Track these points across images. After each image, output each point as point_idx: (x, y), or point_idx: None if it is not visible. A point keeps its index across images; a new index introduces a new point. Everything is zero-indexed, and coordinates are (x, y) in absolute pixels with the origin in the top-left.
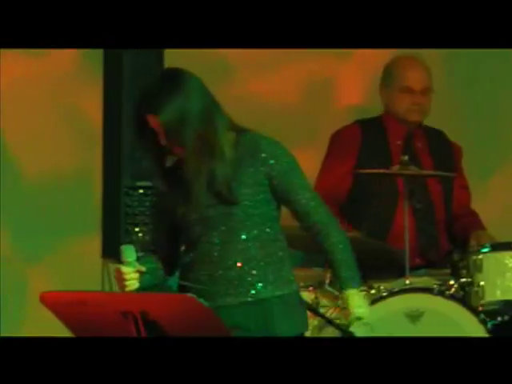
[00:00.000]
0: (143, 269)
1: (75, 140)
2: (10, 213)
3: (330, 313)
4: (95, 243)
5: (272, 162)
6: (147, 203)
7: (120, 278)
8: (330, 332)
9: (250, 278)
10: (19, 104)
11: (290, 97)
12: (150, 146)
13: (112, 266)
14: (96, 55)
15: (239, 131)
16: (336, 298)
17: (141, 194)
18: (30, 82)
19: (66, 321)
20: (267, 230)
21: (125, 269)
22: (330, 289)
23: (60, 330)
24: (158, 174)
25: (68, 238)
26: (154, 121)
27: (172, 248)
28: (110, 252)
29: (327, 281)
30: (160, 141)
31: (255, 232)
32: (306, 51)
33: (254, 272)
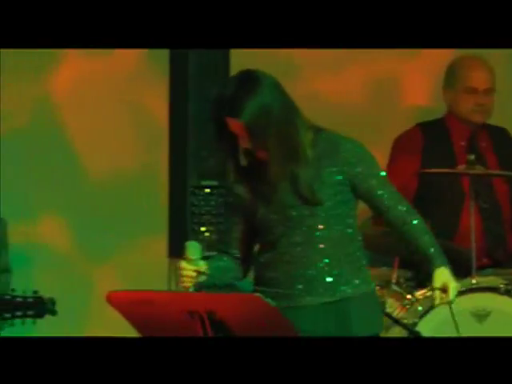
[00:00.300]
0: (203, 269)
1: (141, 139)
2: (76, 213)
3: (397, 312)
4: (162, 243)
5: (353, 161)
6: (213, 202)
7: (180, 275)
8: (397, 332)
9: (329, 278)
10: (85, 103)
11: (354, 96)
12: (229, 149)
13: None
14: (162, 55)
15: (316, 130)
16: (402, 297)
17: (207, 193)
18: (96, 81)
19: (133, 320)
20: (347, 229)
21: (183, 264)
22: (396, 288)
23: (126, 330)
24: (234, 176)
25: (134, 238)
26: (234, 124)
27: (247, 249)
28: (177, 252)
29: (393, 280)
30: (239, 143)
31: (336, 232)
32: (371, 51)
33: (334, 272)
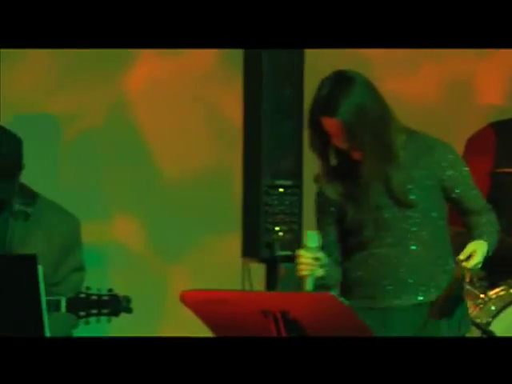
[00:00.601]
0: (321, 256)
1: (215, 139)
2: (151, 212)
3: (470, 312)
4: (235, 242)
5: (445, 164)
6: (287, 202)
7: (298, 263)
8: (472, 331)
9: (420, 280)
10: (160, 103)
11: (428, 96)
12: (321, 149)
13: (252, 265)
14: (236, 54)
15: (409, 132)
16: (476, 296)
17: (281, 192)
18: (170, 81)
19: (206, 320)
20: (437, 231)
21: (302, 252)
22: (469, 288)
23: (200, 329)
24: (325, 177)
25: (208, 237)
26: (330, 122)
27: (337, 250)
28: (250, 251)
29: (467, 280)
30: (333, 143)
31: (426, 234)
32: (444, 51)
33: (425, 274)
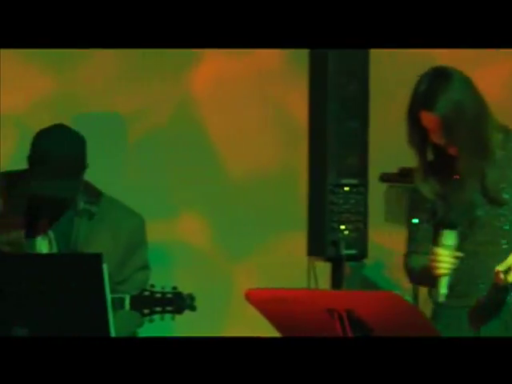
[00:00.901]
0: (458, 254)
1: (281, 138)
2: (216, 211)
3: None
4: (301, 241)
5: None
6: (352, 201)
7: (436, 261)
8: None
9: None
10: (225, 102)
11: (493, 97)
12: (419, 145)
13: (318, 264)
14: (302, 54)
15: (506, 131)
16: None
17: (346, 191)
18: (235, 80)
19: (271, 318)
20: None
21: (440, 251)
22: None
23: (265, 328)
24: (422, 173)
25: (273, 236)
26: (428, 117)
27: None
28: (316, 250)
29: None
30: (430, 139)
31: None
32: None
33: None
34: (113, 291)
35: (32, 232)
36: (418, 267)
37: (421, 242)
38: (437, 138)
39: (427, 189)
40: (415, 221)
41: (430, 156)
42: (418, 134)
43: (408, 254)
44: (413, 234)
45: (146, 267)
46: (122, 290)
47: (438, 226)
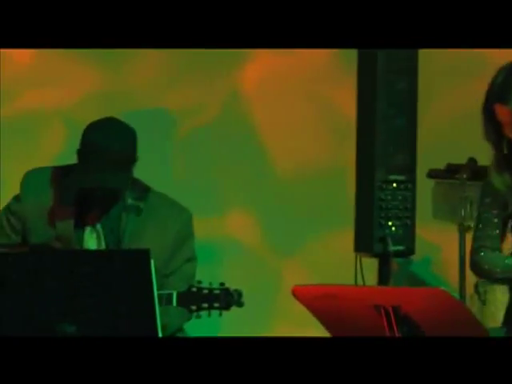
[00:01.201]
0: None
1: (329, 135)
2: (264, 207)
3: None
4: (348, 237)
5: None
6: (400, 197)
7: None
8: None
9: None
10: (274, 100)
11: None
12: (495, 139)
13: (365, 260)
14: (350, 51)
15: None
16: None
17: (394, 187)
18: (284, 77)
19: (319, 315)
20: None
21: None
22: None
23: (312, 325)
24: (496, 166)
25: (321, 232)
26: (503, 111)
27: (500, 242)
28: (363, 246)
29: None
30: (505, 132)
31: None
32: None
33: None
34: (161, 284)
35: (81, 223)
36: (501, 262)
37: (490, 236)
38: (510, 132)
39: (499, 181)
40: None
41: (505, 149)
42: (492, 127)
43: (477, 250)
44: (483, 227)
45: (193, 259)
46: (169, 282)
47: (508, 218)
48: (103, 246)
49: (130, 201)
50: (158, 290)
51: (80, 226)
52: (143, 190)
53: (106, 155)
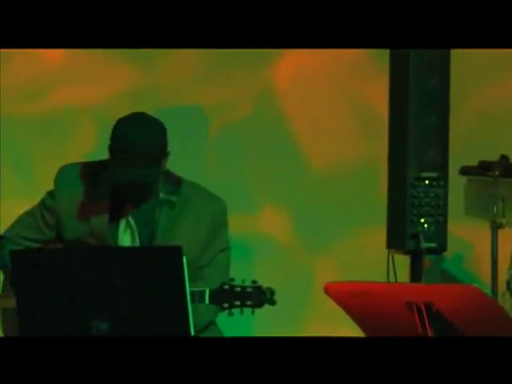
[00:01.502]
0: None
1: (361, 131)
2: (298, 204)
3: None
4: (381, 234)
5: None
6: (432, 194)
7: None
8: None
9: None
10: (307, 97)
11: None
12: None
13: (397, 257)
14: (383, 53)
15: None
16: None
17: (426, 184)
18: (316, 73)
19: (350, 311)
20: None
21: None
22: None
23: (344, 322)
24: None
25: (354, 229)
26: None
27: None
28: (395, 243)
29: None
30: None
31: None
32: None
33: None
34: (195, 276)
35: (115, 219)
36: None
37: None
38: None
39: None
40: None
41: None
42: None
43: None
44: None
45: (227, 248)
46: (204, 273)
47: None
48: (137, 242)
49: (162, 195)
50: (192, 281)
51: (114, 221)
52: (175, 183)
53: (136, 150)
